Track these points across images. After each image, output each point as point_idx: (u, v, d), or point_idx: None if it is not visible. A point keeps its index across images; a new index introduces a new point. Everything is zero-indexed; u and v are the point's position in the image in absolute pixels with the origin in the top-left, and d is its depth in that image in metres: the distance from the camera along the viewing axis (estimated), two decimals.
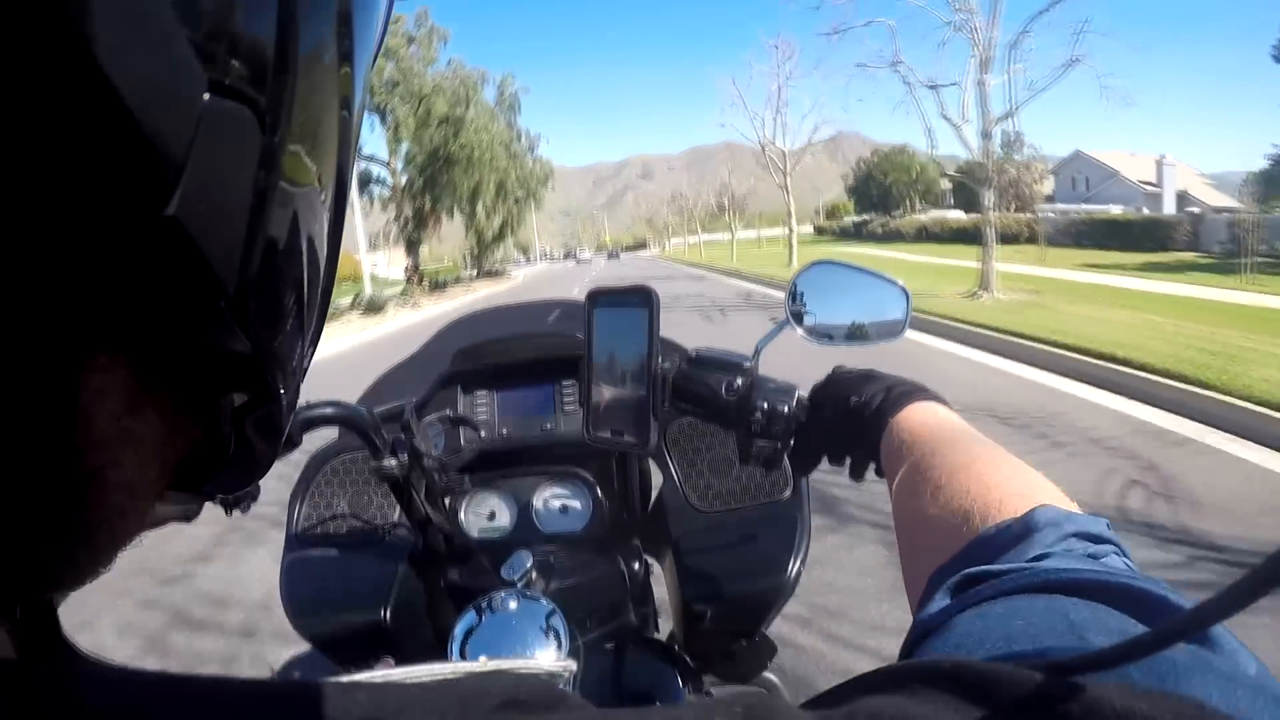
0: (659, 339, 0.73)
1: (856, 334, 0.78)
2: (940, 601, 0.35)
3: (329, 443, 1.18)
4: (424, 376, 1.26)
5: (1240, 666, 0.25)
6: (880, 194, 74.02)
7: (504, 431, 1.17)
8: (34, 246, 0.14)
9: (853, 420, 0.62)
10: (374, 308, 19.80)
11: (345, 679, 0.27)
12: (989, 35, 12.11)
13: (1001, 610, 0.31)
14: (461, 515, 1.15)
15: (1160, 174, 45.13)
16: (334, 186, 0.25)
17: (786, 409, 0.68)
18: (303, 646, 1.04)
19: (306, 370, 0.28)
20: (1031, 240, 29.85)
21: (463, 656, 0.78)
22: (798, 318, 0.78)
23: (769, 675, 1.04)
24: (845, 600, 2.67)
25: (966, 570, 0.36)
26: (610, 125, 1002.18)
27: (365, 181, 30.36)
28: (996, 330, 8.44)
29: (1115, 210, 36.18)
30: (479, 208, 34.05)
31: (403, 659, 1.01)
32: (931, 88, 13.35)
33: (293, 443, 0.84)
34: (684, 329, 9.18)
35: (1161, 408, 5.27)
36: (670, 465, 1.08)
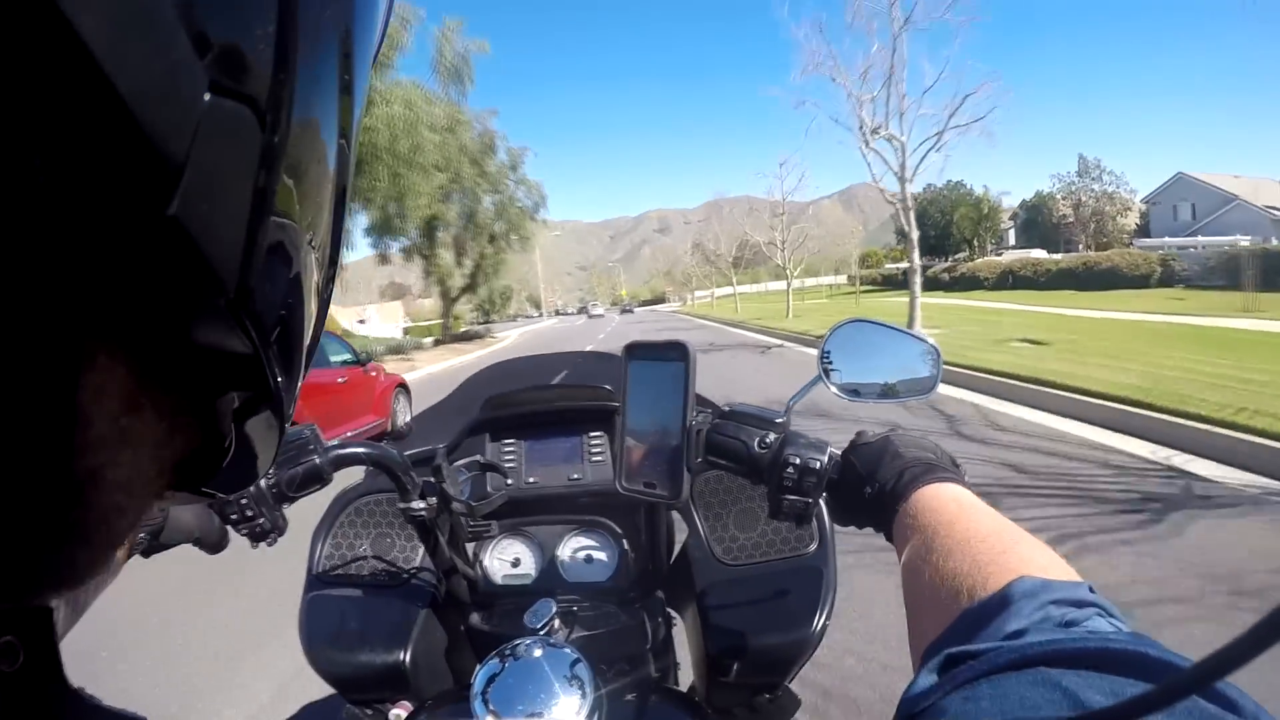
0: (694, 393, 0.74)
1: (888, 392, 0.79)
2: (924, 681, 0.35)
3: (354, 483, 1.19)
4: (452, 423, 1.28)
5: (1241, 715, 0.25)
6: (939, 234, 64.93)
7: (531, 480, 1.18)
8: (34, 246, 0.14)
9: (870, 503, 0.64)
10: None
11: None
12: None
13: (991, 690, 0.31)
14: (486, 561, 1.15)
15: None
16: (334, 186, 0.25)
17: (819, 465, 0.69)
18: (320, 685, 1.04)
19: (306, 370, 0.28)
20: (1167, 282, 25.76)
21: (485, 703, 0.78)
22: (829, 374, 0.79)
23: None
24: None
25: (948, 650, 0.36)
26: (627, 180, 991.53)
27: None
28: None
29: (1244, 241, 29.38)
30: (437, 242, 26.82)
31: (421, 703, 1.00)
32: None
33: (323, 480, 0.86)
34: None
35: None
36: (696, 518, 1.08)
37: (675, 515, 1.17)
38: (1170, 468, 4.87)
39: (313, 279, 0.25)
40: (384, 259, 26.80)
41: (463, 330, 36.35)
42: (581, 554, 1.15)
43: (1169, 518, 3.83)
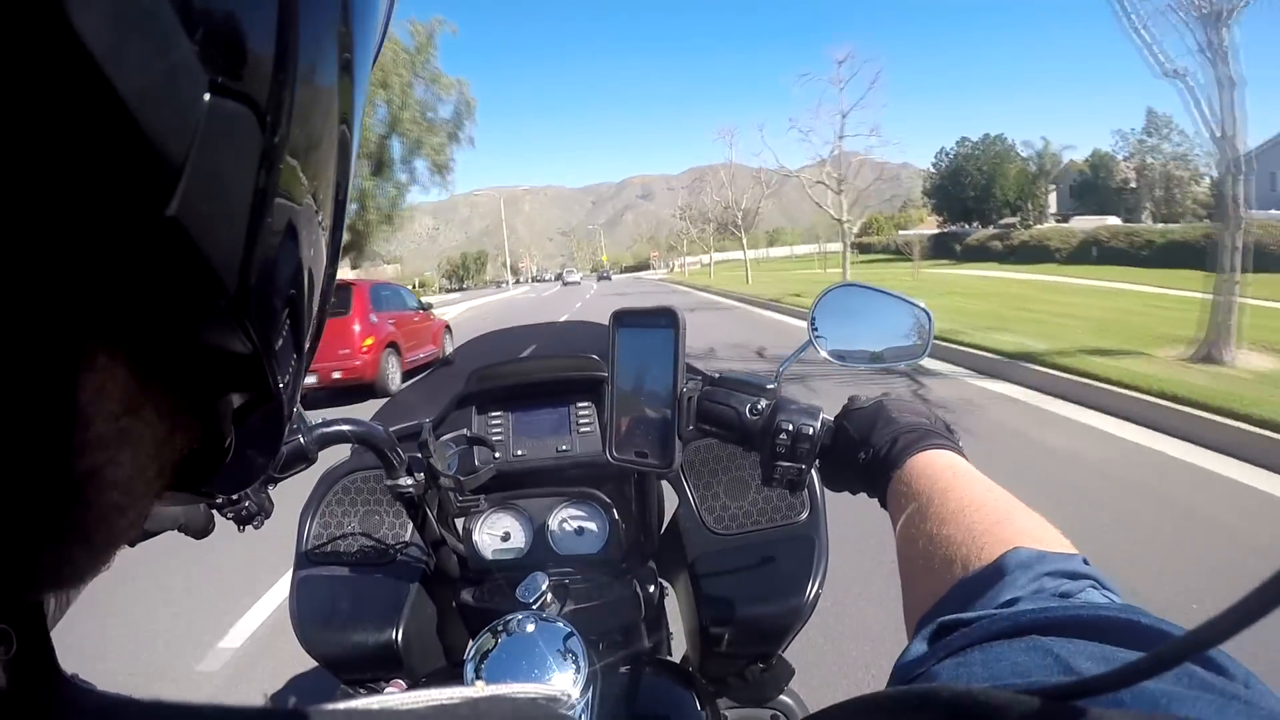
0: (684, 360, 0.73)
1: (878, 357, 0.78)
2: (917, 649, 0.35)
3: (340, 461, 1.18)
4: (438, 397, 1.26)
5: (1237, 686, 0.25)
6: (978, 196, 53.70)
7: (519, 452, 1.17)
8: (34, 246, 0.14)
9: (862, 470, 0.63)
10: None
11: (343, 705, 0.28)
12: None
13: (982, 657, 0.31)
14: (475, 536, 1.15)
15: None
16: (334, 185, 0.25)
17: (811, 431, 0.68)
18: (310, 664, 1.04)
19: (306, 370, 0.28)
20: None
21: (478, 678, 0.77)
22: (820, 339, 0.78)
23: (785, 699, 1.03)
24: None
25: (941, 618, 0.36)
26: (609, 146, 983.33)
27: None
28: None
29: None
30: None
31: (414, 680, 1.00)
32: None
33: (308, 459, 0.85)
34: None
35: None
36: (686, 488, 1.07)
37: (665, 485, 1.16)
38: None
39: (314, 278, 0.25)
40: None
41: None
42: (572, 526, 1.14)
43: None
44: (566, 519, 1.14)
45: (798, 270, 43.76)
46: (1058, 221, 43.81)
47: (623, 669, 0.96)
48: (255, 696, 2.46)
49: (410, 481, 0.94)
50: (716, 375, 0.76)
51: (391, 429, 0.98)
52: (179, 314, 0.18)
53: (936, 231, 52.76)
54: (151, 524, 0.80)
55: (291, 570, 1.09)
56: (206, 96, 0.15)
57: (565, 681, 0.77)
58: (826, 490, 0.77)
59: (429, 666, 1.03)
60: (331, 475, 1.15)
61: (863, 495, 0.66)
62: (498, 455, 1.16)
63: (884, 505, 0.61)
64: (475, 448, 1.13)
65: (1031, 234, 35.10)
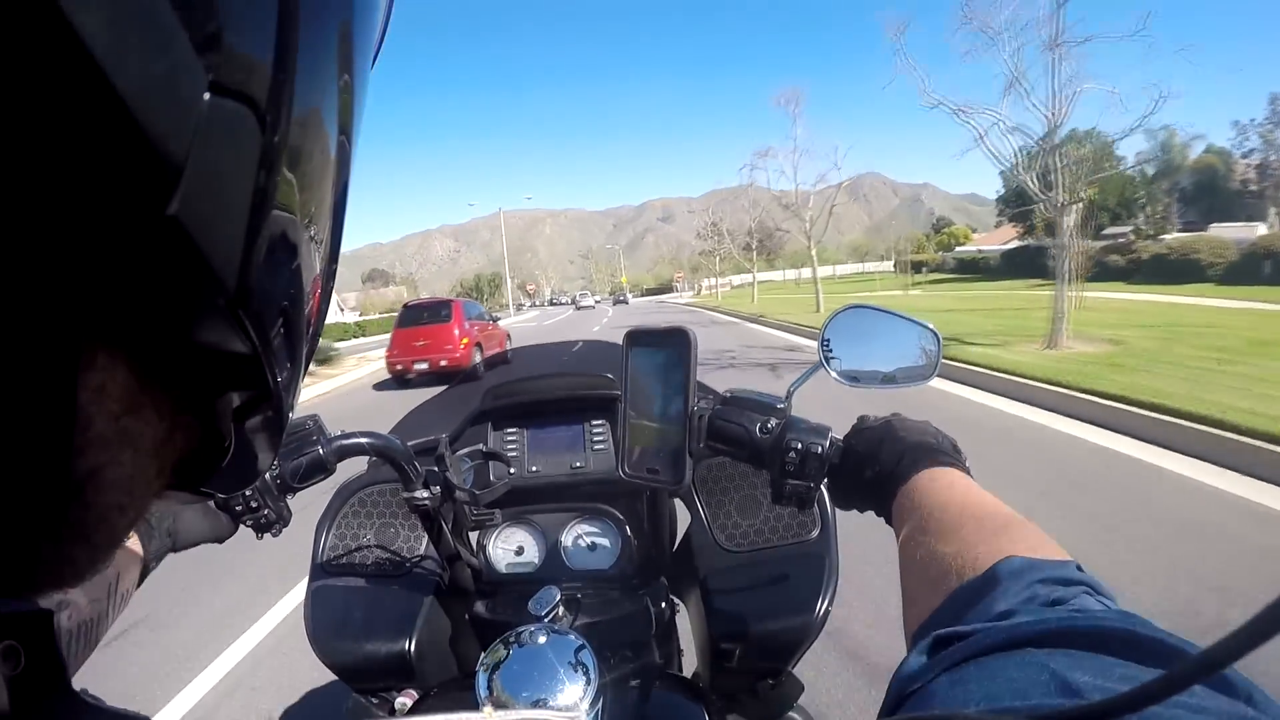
0: (695, 379, 0.74)
1: (888, 378, 0.79)
2: (915, 661, 0.35)
3: (357, 474, 1.20)
4: (454, 413, 1.28)
5: (1239, 705, 0.25)
6: (1071, 201, 36.75)
7: (534, 468, 1.19)
8: (35, 246, 0.14)
9: (871, 486, 0.64)
10: None
11: None
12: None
13: (978, 673, 0.31)
14: (489, 550, 1.16)
15: None
16: (334, 184, 0.25)
17: (820, 450, 0.69)
18: (323, 675, 1.05)
19: (306, 370, 0.28)
20: None
21: (490, 690, 0.78)
22: (829, 361, 0.79)
23: (794, 715, 1.03)
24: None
25: (937, 631, 0.36)
26: (630, 169, 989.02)
27: None
28: None
29: None
30: None
31: (426, 691, 1.01)
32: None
33: (327, 470, 0.87)
34: None
35: None
36: (698, 505, 1.08)
37: (677, 502, 1.17)
38: None
39: (313, 278, 0.25)
40: None
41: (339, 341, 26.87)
42: (584, 541, 1.15)
43: None
44: (580, 534, 1.16)
45: (857, 290, 38.60)
46: (1182, 230, 34.73)
47: (633, 683, 0.96)
48: (265, 702, 2.48)
49: (426, 495, 0.95)
50: (728, 394, 0.77)
51: (409, 443, 1.00)
52: (179, 313, 0.18)
53: (1013, 245, 45.28)
54: (181, 541, 0.83)
55: (307, 580, 1.11)
56: (206, 96, 0.15)
57: (575, 693, 0.78)
58: (838, 509, 0.78)
59: (441, 677, 1.04)
60: (349, 487, 1.17)
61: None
62: (513, 471, 1.18)
63: (889, 522, 0.62)
64: (491, 463, 1.15)
65: (1169, 245, 28.37)
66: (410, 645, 1.00)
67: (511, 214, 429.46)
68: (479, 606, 1.08)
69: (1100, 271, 27.62)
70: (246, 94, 0.17)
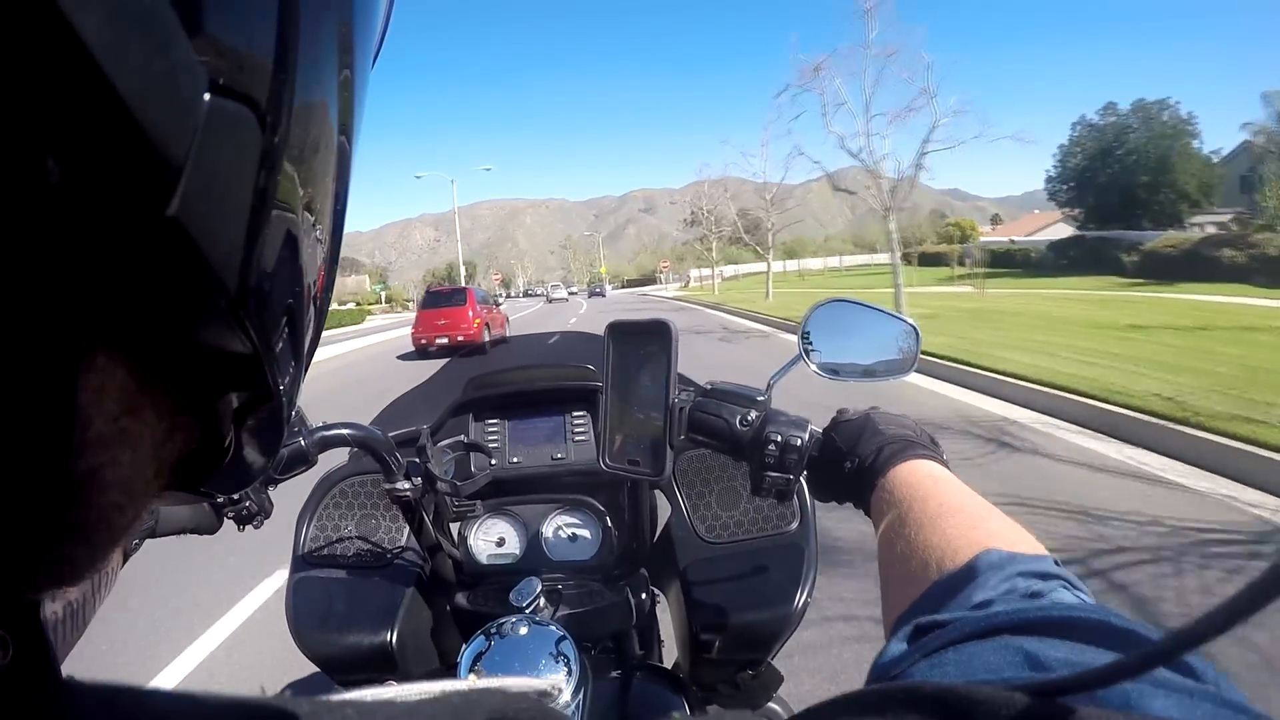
0: (676, 371, 0.75)
1: (867, 371, 0.80)
2: (895, 649, 0.36)
3: (339, 465, 1.19)
4: (435, 404, 1.28)
5: (1202, 682, 0.26)
6: (1125, 191, 37.96)
7: (515, 459, 1.19)
8: (34, 247, 0.14)
9: (850, 478, 0.65)
10: None
11: (338, 697, 0.28)
12: None
13: (956, 657, 0.32)
14: (471, 541, 1.16)
15: None
16: (335, 184, 0.25)
17: (799, 442, 0.70)
18: (306, 666, 1.05)
19: (307, 370, 0.28)
20: None
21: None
22: (809, 354, 0.80)
23: (774, 705, 1.05)
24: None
25: (917, 619, 0.37)
26: (611, 159, 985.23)
27: None
28: None
29: None
30: None
31: (408, 683, 1.01)
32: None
33: (308, 462, 0.86)
34: None
35: None
36: (679, 497, 1.09)
37: (658, 494, 1.18)
38: None
39: (314, 278, 0.25)
40: None
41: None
42: (565, 532, 1.16)
43: None
44: (561, 526, 1.16)
45: (896, 287, 26.16)
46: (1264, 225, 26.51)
47: (614, 674, 0.97)
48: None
49: (407, 486, 0.95)
50: (708, 386, 0.78)
51: (390, 434, 1.00)
52: (179, 314, 0.18)
53: (1068, 235, 39.25)
54: (163, 527, 0.82)
55: (288, 572, 1.11)
56: (206, 96, 0.15)
57: (556, 684, 0.78)
58: (817, 502, 0.79)
59: (423, 669, 1.04)
60: (330, 479, 1.16)
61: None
62: (494, 462, 1.18)
63: (868, 514, 0.63)
64: (472, 454, 1.15)
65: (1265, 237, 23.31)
66: (392, 637, 1.00)
67: (491, 204, 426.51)
68: (460, 598, 1.09)
69: (1172, 267, 25.07)
70: (247, 94, 0.17)
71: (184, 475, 0.23)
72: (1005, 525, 0.48)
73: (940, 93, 13.03)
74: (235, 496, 0.84)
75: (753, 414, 0.73)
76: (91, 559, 0.20)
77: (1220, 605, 0.18)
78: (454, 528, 1.14)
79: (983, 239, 56.78)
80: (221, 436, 0.24)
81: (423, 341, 16.25)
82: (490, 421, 1.23)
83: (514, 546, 1.16)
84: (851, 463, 0.65)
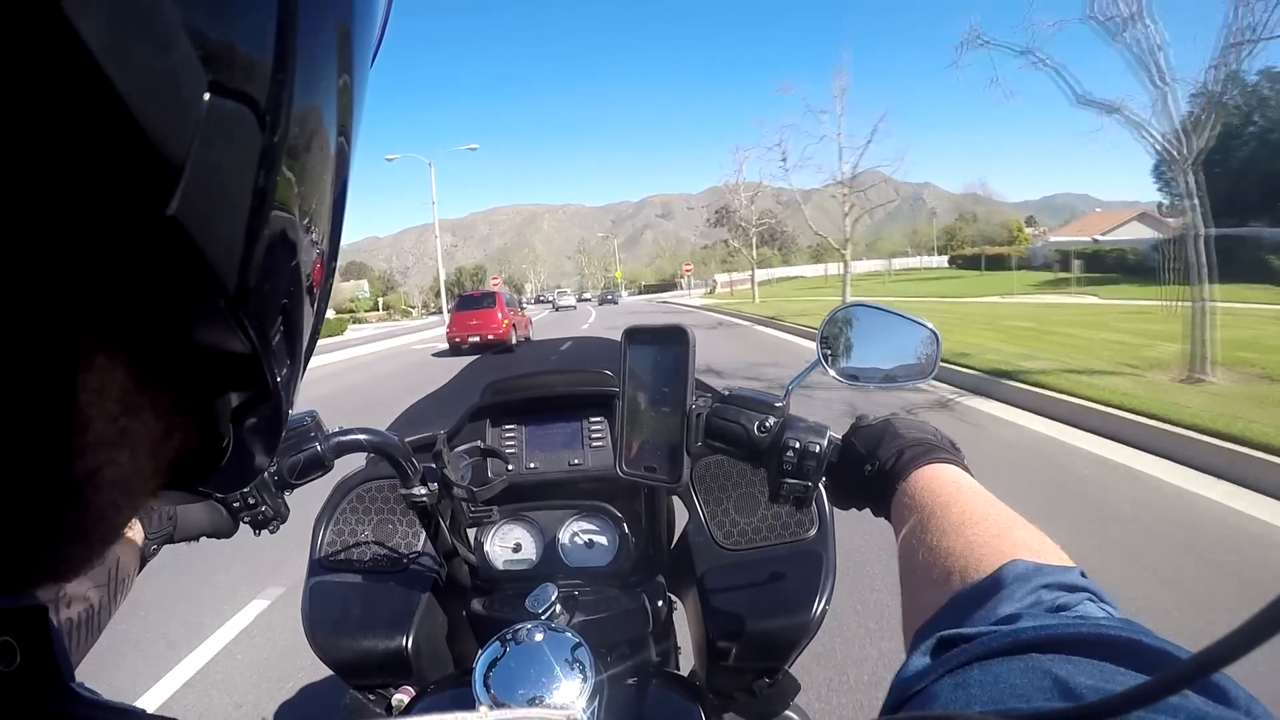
0: (693, 376, 0.74)
1: (887, 377, 0.79)
2: (917, 662, 0.35)
3: (355, 470, 1.20)
4: (452, 409, 1.28)
5: (1238, 714, 0.25)
6: (1266, 175, 29.69)
7: (532, 465, 1.19)
8: (35, 247, 0.14)
9: (869, 484, 0.64)
10: None
11: None
12: None
13: (981, 676, 0.31)
14: (487, 546, 1.16)
15: None
16: (334, 184, 0.25)
17: (818, 449, 0.69)
18: (322, 670, 1.05)
19: (305, 369, 0.28)
20: None
21: (486, 687, 0.78)
22: (829, 359, 0.79)
23: (791, 714, 1.03)
24: None
25: (941, 632, 0.36)
26: (629, 165, 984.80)
27: None
28: None
29: None
30: None
31: (422, 686, 1.01)
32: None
33: (325, 467, 0.86)
34: None
35: None
36: (696, 503, 1.08)
37: (675, 500, 1.17)
38: None
39: (313, 277, 0.25)
40: None
41: None
42: (582, 539, 1.15)
43: None
44: (577, 532, 1.16)
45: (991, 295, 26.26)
46: None
47: (630, 681, 0.96)
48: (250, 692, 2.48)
49: (424, 491, 0.95)
50: (726, 392, 0.77)
51: (407, 439, 1.00)
52: (179, 313, 0.18)
53: (1174, 235, 23.27)
54: (180, 532, 0.83)
55: (305, 576, 1.11)
56: (206, 96, 0.15)
57: (571, 691, 0.78)
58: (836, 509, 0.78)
59: (438, 674, 1.04)
60: (347, 484, 1.17)
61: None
62: (511, 468, 1.18)
63: (888, 519, 0.62)
64: (489, 459, 1.15)
65: None
66: (407, 642, 1.00)
67: (509, 209, 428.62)
68: (476, 603, 1.08)
69: None
70: (246, 94, 0.17)
71: (183, 474, 0.23)
72: (1030, 534, 0.47)
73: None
74: (251, 501, 0.85)
75: (771, 420, 0.72)
76: (88, 556, 0.20)
77: (1240, 627, 0.18)
78: (470, 533, 1.14)
79: (1051, 239, 52.62)
80: (220, 436, 0.24)
81: (456, 340, 18.29)
82: (507, 427, 1.23)
83: (530, 552, 1.16)
84: (872, 465, 0.64)
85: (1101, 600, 0.39)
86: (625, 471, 0.79)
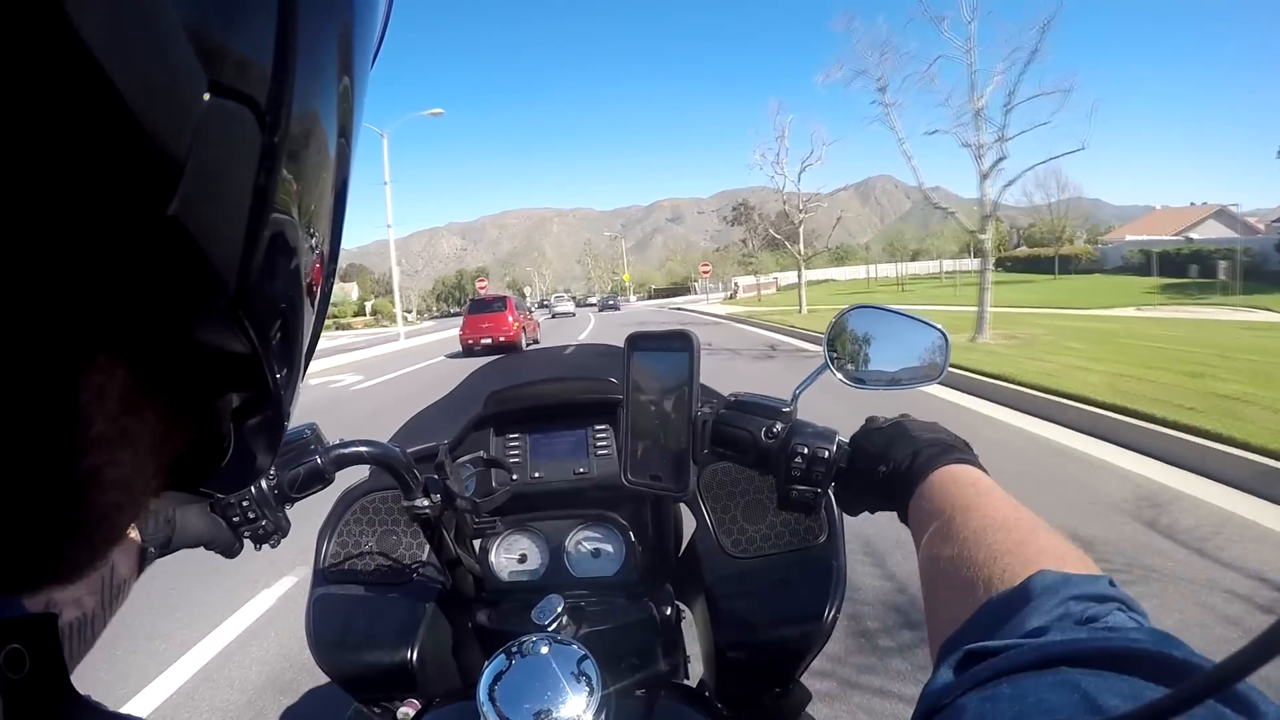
0: (698, 383, 0.73)
1: (894, 380, 0.78)
2: (944, 677, 0.35)
3: (358, 481, 1.19)
4: (455, 419, 1.27)
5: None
6: None
7: (536, 474, 1.17)
8: (35, 247, 0.14)
9: (883, 484, 0.63)
10: None
11: None
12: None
13: (1010, 691, 0.31)
14: (492, 557, 1.15)
15: None
16: (334, 185, 0.25)
17: (827, 454, 0.68)
18: (326, 682, 1.04)
19: (306, 370, 0.28)
20: None
21: (492, 701, 0.77)
22: (835, 362, 0.78)
23: None
24: None
25: (968, 646, 0.36)
26: (639, 169, 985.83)
27: None
28: None
29: None
30: None
31: (428, 701, 1.00)
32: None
33: (326, 479, 0.85)
34: None
35: None
36: (704, 511, 1.07)
37: (682, 507, 1.16)
38: None
39: (313, 277, 0.25)
40: None
41: None
42: (588, 548, 1.14)
43: None
44: (583, 541, 1.14)
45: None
46: None
47: (638, 693, 0.95)
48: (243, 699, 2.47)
49: (426, 503, 0.94)
50: (732, 398, 0.76)
51: (409, 450, 0.99)
52: (179, 314, 0.18)
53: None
54: (179, 539, 0.82)
55: (309, 588, 1.10)
56: (206, 96, 0.15)
57: (578, 705, 0.76)
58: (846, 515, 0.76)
59: (443, 686, 1.03)
60: (349, 495, 1.16)
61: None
62: (515, 477, 1.17)
63: (904, 520, 0.61)
64: (493, 470, 1.14)
65: None
66: (412, 655, 0.99)
67: (519, 213, 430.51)
68: (481, 615, 1.07)
69: None
70: (246, 94, 0.17)
71: (184, 474, 0.23)
72: (1054, 540, 0.46)
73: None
74: (251, 515, 0.84)
75: (778, 426, 0.71)
76: (90, 557, 0.20)
77: (1261, 635, 0.18)
78: (475, 544, 1.13)
79: (1128, 238, 48.80)
80: (220, 436, 0.24)
81: (469, 341, 19.18)
82: (511, 436, 1.22)
83: (536, 563, 1.14)
84: (886, 467, 0.62)
85: (1131, 609, 0.38)
86: (631, 481, 0.78)
